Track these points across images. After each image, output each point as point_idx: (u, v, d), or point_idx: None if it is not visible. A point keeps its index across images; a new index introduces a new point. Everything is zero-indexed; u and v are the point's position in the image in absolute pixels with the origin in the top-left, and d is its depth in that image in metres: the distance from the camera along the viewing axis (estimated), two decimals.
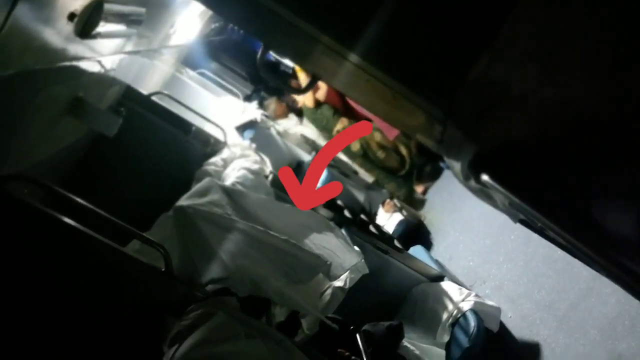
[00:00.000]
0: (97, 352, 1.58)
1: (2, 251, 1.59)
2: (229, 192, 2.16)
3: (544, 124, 1.35)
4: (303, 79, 5.58)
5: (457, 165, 1.57)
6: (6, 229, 1.59)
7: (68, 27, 2.01)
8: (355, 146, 5.84)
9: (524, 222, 1.71)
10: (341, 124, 5.94)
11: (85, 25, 2.09)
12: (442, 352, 3.24)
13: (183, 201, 1.95)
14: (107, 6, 2.16)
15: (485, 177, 1.17)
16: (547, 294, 3.69)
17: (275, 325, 2.15)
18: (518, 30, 1.43)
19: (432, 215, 5.65)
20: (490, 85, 1.53)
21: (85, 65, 2.45)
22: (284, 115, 6.30)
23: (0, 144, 1.95)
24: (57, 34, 1.99)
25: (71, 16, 1.98)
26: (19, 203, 1.64)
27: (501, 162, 1.35)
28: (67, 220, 1.69)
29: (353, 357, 2.08)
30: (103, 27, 2.20)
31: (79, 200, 1.76)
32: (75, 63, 2.32)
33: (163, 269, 1.74)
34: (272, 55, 3.74)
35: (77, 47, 2.21)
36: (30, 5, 1.69)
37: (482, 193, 1.55)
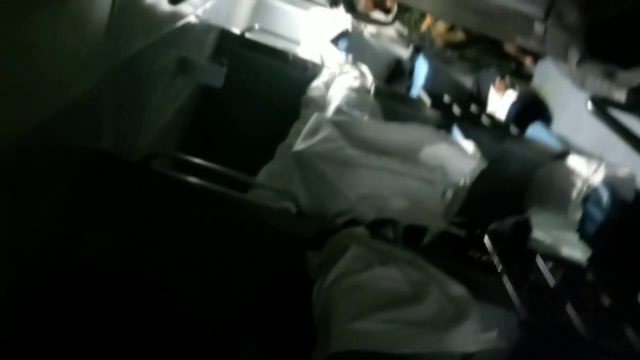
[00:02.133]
0: (250, 299, 1.83)
1: (148, 221, 1.86)
2: (338, 124, 2.25)
3: None
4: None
5: (565, 67, 1.51)
6: (152, 201, 1.85)
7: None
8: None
9: None
10: (427, 20, 5.54)
11: None
12: (576, 237, 3.22)
13: (299, 145, 2.09)
14: None
15: (589, 106, 1.14)
16: None
17: (402, 234, 2.29)
18: None
19: (548, 86, 5.32)
20: None
21: (183, 25, 2.58)
22: (374, 9, 6.06)
23: (134, 121, 2.19)
24: (154, 9, 2.12)
25: None
26: (160, 176, 1.88)
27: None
28: (199, 182, 1.90)
29: (485, 258, 2.18)
30: None
31: (202, 162, 1.98)
32: (174, 27, 2.46)
33: (294, 211, 1.93)
34: None
35: (173, 13, 2.34)
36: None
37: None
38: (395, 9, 5.25)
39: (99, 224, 1.87)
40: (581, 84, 1.45)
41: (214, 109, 3.43)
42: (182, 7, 2.48)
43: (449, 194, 2.58)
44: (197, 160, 2.09)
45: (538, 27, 1.65)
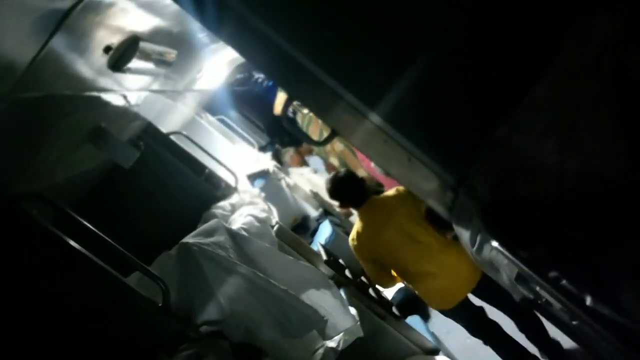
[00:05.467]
0: None
1: (7, 266, 1.60)
2: (234, 235, 2.17)
3: (562, 196, 1.36)
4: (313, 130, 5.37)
5: (466, 235, 1.58)
6: (15, 245, 1.61)
7: (102, 59, 2.09)
8: None
9: (526, 302, 1.68)
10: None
11: (119, 59, 2.17)
12: None
13: (189, 239, 1.96)
14: (142, 44, 2.24)
15: (495, 244, 1.17)
16: None
17: None
18: (539, 104, 1.47)
19: None
20: (507, 156, 1.56)
21: (112, 97, 2.52)
22: (300, 165, 6.30)
23: (21, 161, 1.99)
24: (91, 65, 2.06)
25: (107, 49, 2.06)
26: (30, 221, 1.66)
27: (512, 233, 1.36)
28: (73, 243, 1.70)
29: None
30: (135, 63, 2.28)
31: (87, 225, 1.79)
32: (103, 94, 2.39)
33: (160, 304, 1.73)
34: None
35: (107, 80, 2.28)
36: (69, 35, 1.76)
37: (490, 266, 1.54)
38: (329, 132, 5.33)
39: None
40: (477, 252, 1.50)
41: (114, 192, 3.24)
42: (117, 84, 2.44)
43: (321, 351, 2.45)
44: (85, 223, 1.87)
45: (449, 195, 1.74)
